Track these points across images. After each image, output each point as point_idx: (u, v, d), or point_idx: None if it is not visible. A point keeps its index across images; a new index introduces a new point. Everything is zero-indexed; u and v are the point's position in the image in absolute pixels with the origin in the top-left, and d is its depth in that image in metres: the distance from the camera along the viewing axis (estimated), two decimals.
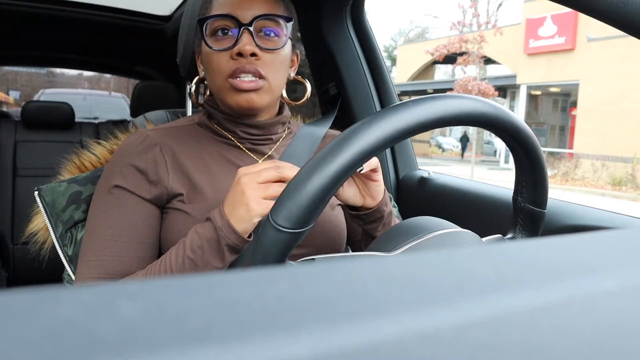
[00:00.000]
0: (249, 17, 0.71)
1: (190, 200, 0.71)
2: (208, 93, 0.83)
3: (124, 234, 0.69)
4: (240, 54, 0.71)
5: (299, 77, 0.83)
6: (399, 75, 19.66)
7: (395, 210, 1.10)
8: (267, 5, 0.74)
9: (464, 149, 18.34)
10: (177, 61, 0.87)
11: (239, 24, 0.71)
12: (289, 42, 0.76)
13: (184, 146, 0.75)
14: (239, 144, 0.78)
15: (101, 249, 0.68)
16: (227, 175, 0.74)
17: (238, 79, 0.71)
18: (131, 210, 0.70)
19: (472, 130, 14.38)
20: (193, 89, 0.84)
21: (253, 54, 0.71)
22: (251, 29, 0.71)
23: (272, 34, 0.74)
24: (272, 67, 0.73)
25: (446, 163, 15.57)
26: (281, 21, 0.74)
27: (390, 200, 1.11)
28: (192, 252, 0.63)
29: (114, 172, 0.72)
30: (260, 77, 0.72)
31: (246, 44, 0.70)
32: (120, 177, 0.71)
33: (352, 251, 0.87)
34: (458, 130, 21.81)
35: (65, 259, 0.81)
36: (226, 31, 0.72)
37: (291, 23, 0.75)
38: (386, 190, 0.77)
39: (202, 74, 0.80)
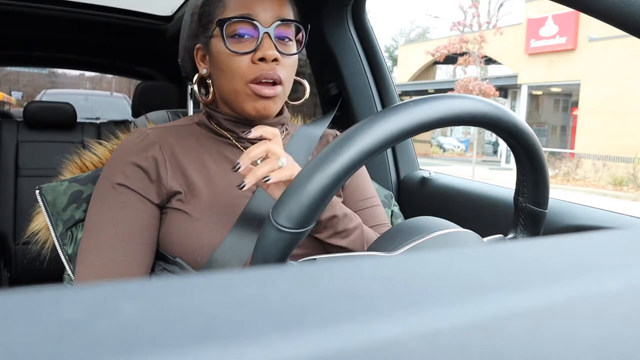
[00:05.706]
0: (269, 20, 0.72)
1: (188, 199, 0.71)
2: (210, 95, 0.80)
3: (126, 233, 0.69)
4: (262, 59, 0.71)
5: (297, 77, 0.83)
6: (400, 76, 19.64)
7: (396, 209, 1.10)
8: (283, 7, 0.74)
9: (495, 152, 18.40)
10: (178, 61, 0.87)
11: (260, 28, 0.71)
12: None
13: (182, 145, 0.75)
14: (237, 143, 0.79)
15: (103, 248, 0.68)
16: (224, 174, 0.75)
17: (259, 84, 0.71)
18: (133, 209, 0.70)
19: (473, 130, 14.36)
20: (196, 87, 0.82)
21: (275, 59, 0.71)
22: (272, 33, 0.72)
23: (287, 39, 0.75)
24: (289, 71, 0.75)
25: (447, 163, 15.56)
26: (295, 25, 0.76)
27: (392, 198, 1.11)
28: None
29: (115, 171, 0.71)
30: (280, 83, 0.72)
31: (269, 48, 0.71)
32: (122, 176, 0.71)
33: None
34: (459, 131, 21.79)
35: (65, 257, 0.80)
36: (244, 34, 0.72)
37: (307, 29, 0.77)
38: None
39: (203, 71, 0.79)
